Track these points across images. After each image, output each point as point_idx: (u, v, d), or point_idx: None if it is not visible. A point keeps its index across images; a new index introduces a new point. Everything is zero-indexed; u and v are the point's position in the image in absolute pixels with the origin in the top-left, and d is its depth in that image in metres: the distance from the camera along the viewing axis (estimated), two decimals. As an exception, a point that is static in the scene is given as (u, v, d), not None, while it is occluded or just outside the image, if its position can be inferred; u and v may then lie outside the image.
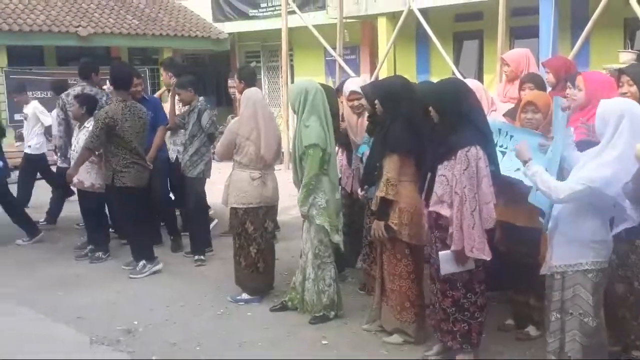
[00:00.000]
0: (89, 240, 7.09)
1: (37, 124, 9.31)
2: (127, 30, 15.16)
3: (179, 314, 5.31)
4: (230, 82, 7.75)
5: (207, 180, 6.97)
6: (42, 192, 9.37)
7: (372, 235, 4.61)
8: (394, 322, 4.55)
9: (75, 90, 7.22)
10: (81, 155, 6.44)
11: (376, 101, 4.56)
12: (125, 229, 6.63)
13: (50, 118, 9.21)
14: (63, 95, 7.28)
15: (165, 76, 7.61)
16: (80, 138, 6.67)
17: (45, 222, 8.43)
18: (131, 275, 6.29)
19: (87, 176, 6.68)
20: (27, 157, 9.33)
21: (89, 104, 6.69)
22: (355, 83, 5.65)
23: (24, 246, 7.56)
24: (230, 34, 16.69)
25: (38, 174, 9.48)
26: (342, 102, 5.75)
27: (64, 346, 4.74)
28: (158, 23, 15.96)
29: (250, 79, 6.82)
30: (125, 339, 4.81)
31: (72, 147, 6.83)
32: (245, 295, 5.53)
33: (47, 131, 9.32)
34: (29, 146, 9.30)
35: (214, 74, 17.97)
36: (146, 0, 17.02)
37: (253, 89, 5.76)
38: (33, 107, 9.39)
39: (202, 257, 6.74)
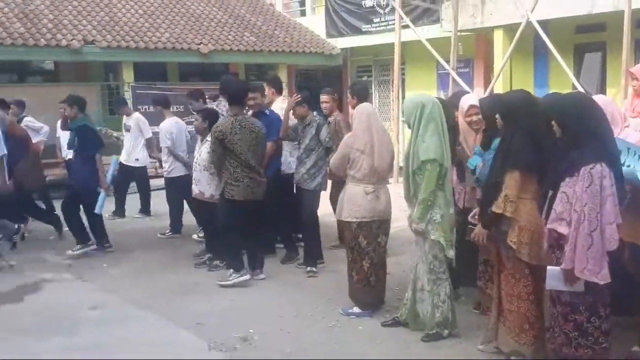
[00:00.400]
0: (207, 249, 7.36)
1: (140, 136, 9.76)
2: (245, 47, 15.66)
3: (292, 324, 5.39)
4: (322, 97, 7.84)
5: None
6: (162, 200, 9.82)
7: (470, 237, 4.49)
8: (511, 344, 4.40)
9: (212, 104, 7.56)
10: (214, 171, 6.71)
11: (497, 115, 4.46)
12: (222, 237, 6.78)
13: (151, 131, 9.71)
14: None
15: (268, 91, 7.82)
16: (202, 151, 6.95)
17: (170, 233, 8.82)
18: (220, 283, 6.46)
19: (207, 187, 6.94)
20: (131, 169, 9.79)
21: (210, 118, 6.94)
22: (472, 98, 5.56)
23: (146, 254, 7.91)
24: (342, 49, 16.89)
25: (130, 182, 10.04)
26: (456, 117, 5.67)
27: (184, 351, 4.93)
28: (274, 40, 16.40)
29: (362, 94, 6.87)
30: (242, 346, 4.94)
31: (195, 159, 7.12)
32: (356, 309, 5.54)
33: (148, 144, 9.78)
34: (137, 159, 9.76)
35: (325, 88, 18.21)
36: (263, 17, 17.56)
37: (366, 104, 5.82)
38: (136, 119, 9.84)
39: (314, 268, 6.83)
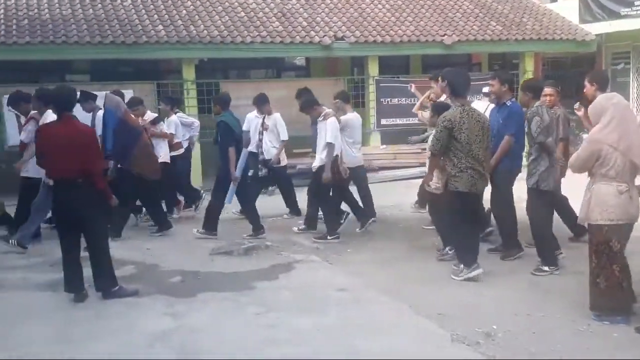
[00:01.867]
0: (444, 242, 7.35)
1: (277, 136, 9.62)
2: (490, 36, 15.24)
3: (538, 324, 5.20)
4: (546, 90, 7.36)
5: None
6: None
7: None
8: None
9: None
10: (430, 161, 6.73)
11: None
12: (449, 231, 6.79)
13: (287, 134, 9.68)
14: None
15: (436, 86, 7.60)
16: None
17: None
18: (452, 276, 6.45)
19: (434, 179, 6.96)
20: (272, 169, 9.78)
21: (440, 112, 6.91)
22: None
23: (386, 242, 8.13)
24: (597, 35, 15.71)
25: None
26: None
27: (427, 340, 4.99)
28: (522, 27, 15.75)
29: (604, 83, 6.46)
30: (485, 342, 4.87)
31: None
32: (610, 316, 5.16)
33: (282, 146, 9.70)
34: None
35: (575, 76, 17.09)
36: (511, 5, 16.95)
37: (615, 94, 5.37)
38: (274, 119, 9.67)
39: (545, 268, 6.51)
